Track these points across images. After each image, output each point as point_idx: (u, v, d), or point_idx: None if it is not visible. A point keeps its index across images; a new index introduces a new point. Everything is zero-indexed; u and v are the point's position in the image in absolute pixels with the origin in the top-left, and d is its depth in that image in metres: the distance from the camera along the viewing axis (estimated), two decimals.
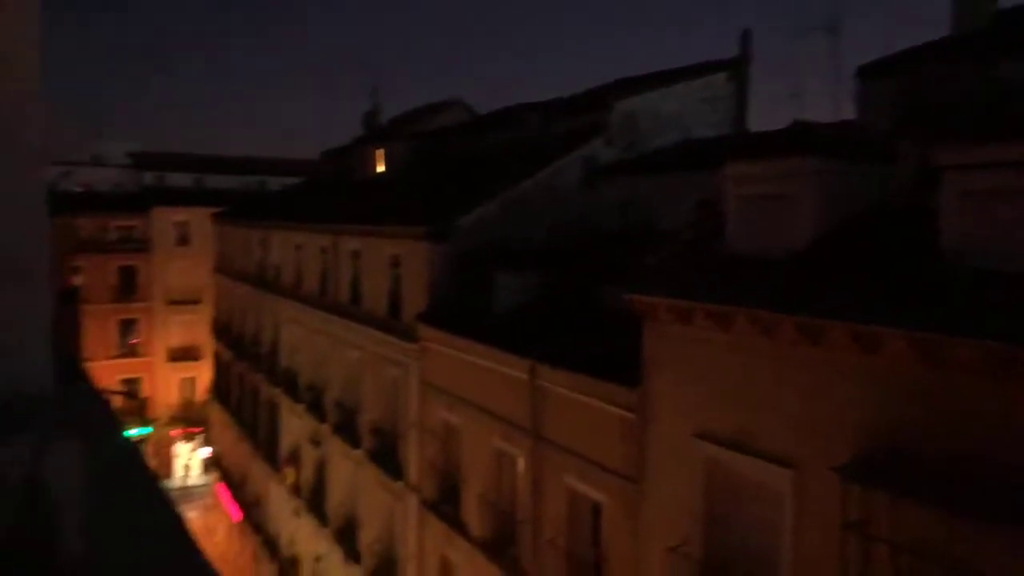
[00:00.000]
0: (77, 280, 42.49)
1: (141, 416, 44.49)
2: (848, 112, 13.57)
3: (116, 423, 6.32)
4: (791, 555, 9.03)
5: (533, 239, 18.52)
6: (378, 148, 30.12)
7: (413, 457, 18.43)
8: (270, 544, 29.22)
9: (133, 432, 43.81)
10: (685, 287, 10.54)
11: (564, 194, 19.59)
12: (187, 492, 43.42)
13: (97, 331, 43.82)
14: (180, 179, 57.37)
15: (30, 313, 4.47)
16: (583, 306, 14.44)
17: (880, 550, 7.94)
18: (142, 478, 4.79)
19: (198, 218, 45.09)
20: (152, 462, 44.95)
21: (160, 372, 46.05)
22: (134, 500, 4.50)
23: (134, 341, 45.97)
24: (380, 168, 29.98)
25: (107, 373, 43.67)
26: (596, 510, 12.60)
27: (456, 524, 16.26)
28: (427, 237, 18.03)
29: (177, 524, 4.26)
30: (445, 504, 16.76)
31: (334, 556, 23.19)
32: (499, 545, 14.76)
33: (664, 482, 10.88)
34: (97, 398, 7.39)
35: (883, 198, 9.93)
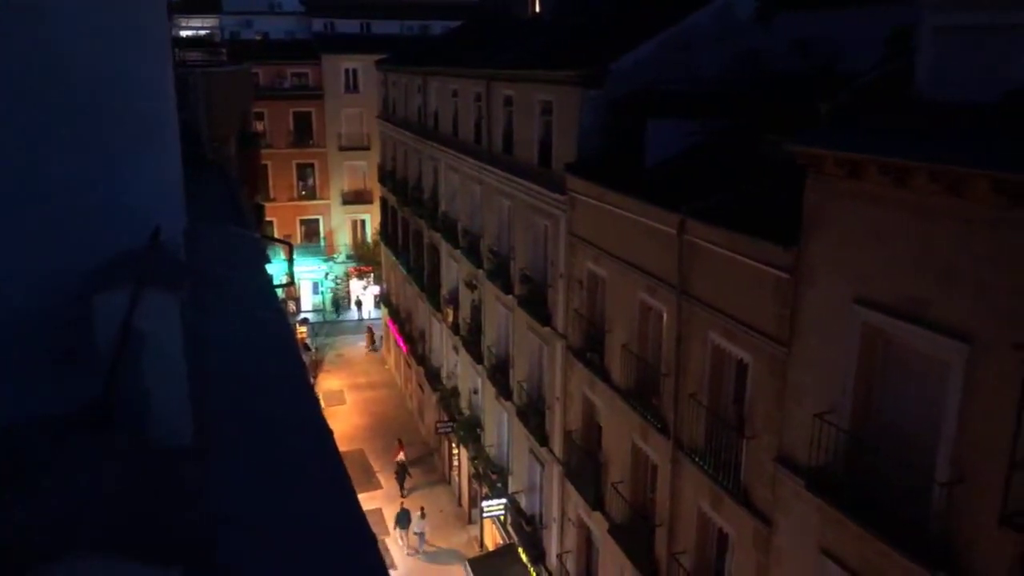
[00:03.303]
0: (260, 126, 45.35)
1: (322, 255, 48.40)
2: None
3: (262, 262, 6.72)
4: (953, 434, 8.35)
5: (697, 83, 17.13)
6: None
7: (561, 305, 18.74)
8: (432, 375, 31.67)
9: (313, 270, 48.00)
10: (856, 138, 9.35)
11: (734, 32, 17.73)
12: (362, 326, 47.52)
13: (279, 175, 47.22)
14: (348, 26, 58.23)
15: (160, 172, 4.62)
16: (744, 158, 13.38)
17: None
18: (270, 313, 5.08)
19: (365, 65, 45.94)
20: (331, 296, 49.33)
21: (335, 214, 49.29)
22: (256, 333, 4.80)
23: (311, 184, 49.12)
24: (538, 8, 28.62)
25: (288, 214, 47.49)
26: (741, 369, 12.28)
27: (600, 371, 16.60)
28: (577, 82, 17.18)
29: (292, 360, 4.51)
30: (590, 351, 17.07)
31: (488, 391, 24.76)
32: (641, 395, 14.95)
33: (815, 347, 10.29)
34: (251, 239, 7.89)
35: None
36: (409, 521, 27.02)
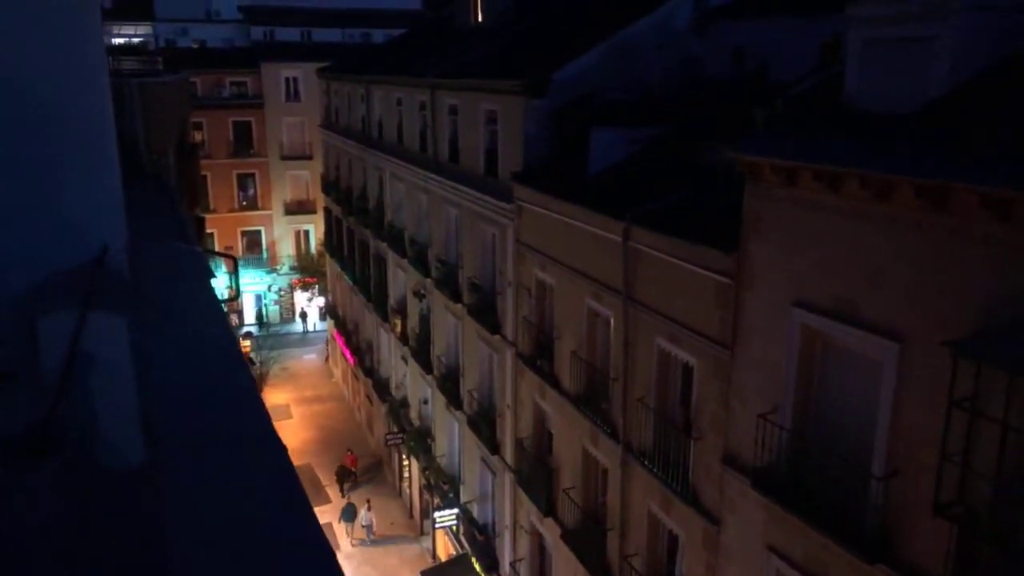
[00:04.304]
0: (198, 136, 44.29)
1: (264, 267, 47.47)
2: None
3: (206, 277, 6.58)
4: (887, 430, 8.70)
5: (638, 91, 17.47)
6: None
7: (510, 313, 18.81)
8: (381, 386, 31.35)
9: (256, 282, 47.01)
10: (791, 145, 9.69)
11: (673, 41, 18.16)
12: (307, 338, 46.75)
13: (219, 185, 46.20)
14: (288, 34, 57.42)
15: (99, 185, 4.49)
16: (685, 164, 13.68)
17: (990, 429, 7.47)
18: (217, 329, 4.99)
19: (307, 73, 45.40)
20: (277, 308, 48.44)
21: (278, 225, 48.44)
22: (205, 350, 4.71)
23: (252, 195, 48.15)
24: (480, 17, 28.73)
25: (229, 225, 46.48)
26: (687, 372, 12.54)
27: (549, 378, 16.71)
28: (521, 92, 17.35)
29: (242, 376, 4.44)
30: (540, 359, 17.18)
31: (438, 401, 24.65)
32: (590, 400, 15.11)
33: (757, 349, 10.59)
34: (195, 254, 7.72)
35: None
36: (355, 515, 27.73)
